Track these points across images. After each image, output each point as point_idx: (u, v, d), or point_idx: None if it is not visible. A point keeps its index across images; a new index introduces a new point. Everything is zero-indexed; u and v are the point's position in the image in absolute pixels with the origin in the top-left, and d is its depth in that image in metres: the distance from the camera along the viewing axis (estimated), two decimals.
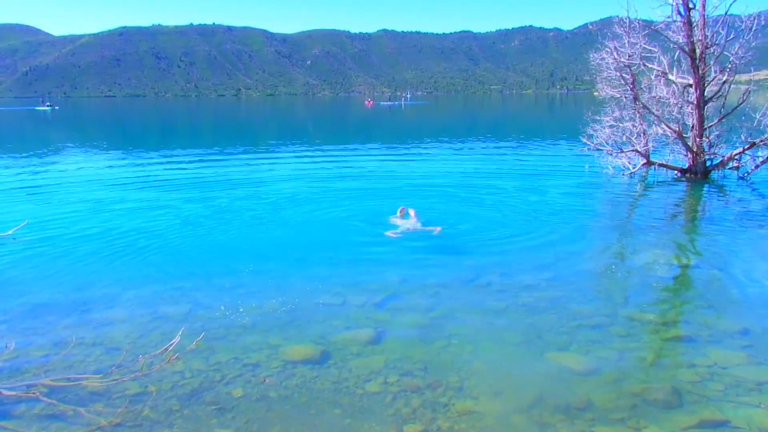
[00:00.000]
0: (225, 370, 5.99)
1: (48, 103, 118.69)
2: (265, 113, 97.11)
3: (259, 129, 56.85)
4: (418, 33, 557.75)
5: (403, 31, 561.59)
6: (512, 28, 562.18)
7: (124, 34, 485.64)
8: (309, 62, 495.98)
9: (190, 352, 6.12)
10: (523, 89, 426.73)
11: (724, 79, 17.36)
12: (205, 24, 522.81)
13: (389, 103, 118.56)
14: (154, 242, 11.06)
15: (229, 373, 5.93)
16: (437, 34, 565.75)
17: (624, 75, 18.06)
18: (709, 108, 17.76)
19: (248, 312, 7.48)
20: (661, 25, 17.53)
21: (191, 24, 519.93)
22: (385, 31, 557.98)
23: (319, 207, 14.40)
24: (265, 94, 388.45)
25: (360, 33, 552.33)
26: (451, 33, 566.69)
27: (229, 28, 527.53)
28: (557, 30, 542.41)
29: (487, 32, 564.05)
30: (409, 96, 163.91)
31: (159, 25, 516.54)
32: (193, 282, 8.73)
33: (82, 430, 5.01)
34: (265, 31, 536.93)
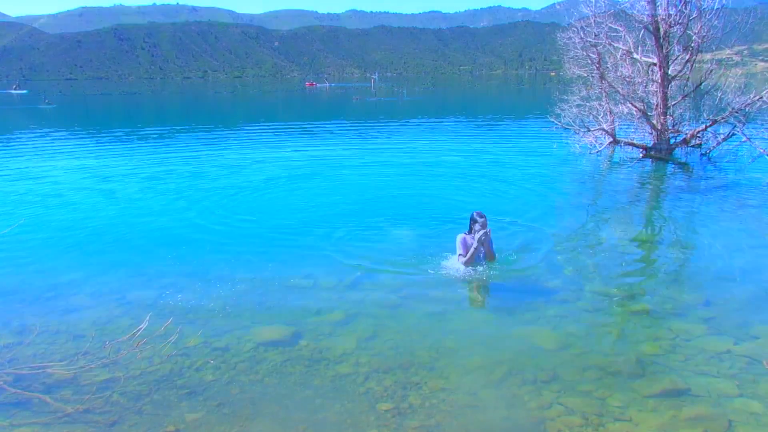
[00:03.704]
0: (195, 355, 5.94)
1: (14, 86, 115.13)
2: (227, 97, 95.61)
3: (226, 113, 55.97)
4: (386, 13, 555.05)
5: (371, 12, 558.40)
6: (481, 9, 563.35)
7: (85, 14, 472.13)
8: (276, 43, 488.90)
9: (158, 337, 6.03)
10: (493, 69, 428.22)
11: (687, 57, 17.64)
12: (168, 4, 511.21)
13: (326, 85, 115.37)
14: (119, 228, 10.87)
15: (199, 358, 5.88)
16: (406, 14, 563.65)
17: (590, 54, 18.23)
18: (673, 86, 18.05)
19: (218, 296, 7.42)
20: (626, 4, 17.72)
21: (154, 4, 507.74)
22: (353, 11, 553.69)
23: (287, 190, 14.31)
24: (233, 76, 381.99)
25: (328, 14, 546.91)
26: (420, 13, 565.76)
27: (194, 8, 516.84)
28: (526, 10, 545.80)
29: (456, 12, 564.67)
30: (377, 77, 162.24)
31: (120, 5, 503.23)
32: (160, 267, 8.60)
33: (49, 418, 4.93)
34: (230, 11, 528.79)
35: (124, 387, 5.37)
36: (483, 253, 7.90)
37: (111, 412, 5.00)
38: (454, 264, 8.02)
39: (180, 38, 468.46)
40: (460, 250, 7.82)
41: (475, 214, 7.73)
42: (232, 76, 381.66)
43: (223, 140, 26.75)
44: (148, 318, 5.95)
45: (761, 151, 15.80)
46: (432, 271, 8.12)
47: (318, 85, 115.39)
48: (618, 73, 18.76)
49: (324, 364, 5.76)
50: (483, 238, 7.55)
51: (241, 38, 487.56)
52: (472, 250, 7.60)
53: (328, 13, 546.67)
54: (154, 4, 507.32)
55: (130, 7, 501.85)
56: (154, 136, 29.12)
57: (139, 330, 5.74)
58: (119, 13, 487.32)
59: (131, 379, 5.51)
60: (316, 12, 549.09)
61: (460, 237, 7.93)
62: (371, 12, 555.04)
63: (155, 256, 9.11)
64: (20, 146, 24.95)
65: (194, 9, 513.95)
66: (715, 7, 16.86)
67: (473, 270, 7.93)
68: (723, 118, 17.39)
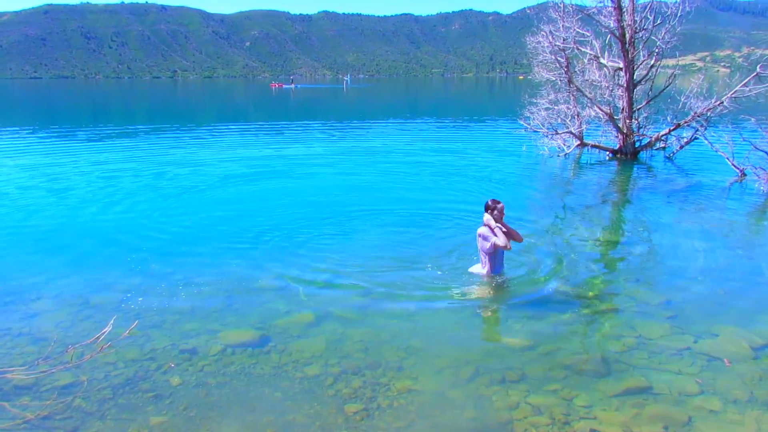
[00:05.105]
0: (161, 358, 5.85)
1: None
2: (195, 96, 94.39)
3: (194, 111, 55.23)
4: (359, 15, 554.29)
5: (344, 13, 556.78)
6: (452, 12, 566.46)
7: (50, 12, 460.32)
8: (248, 44, 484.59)
9: (123, 340, 5.93)
10: (464, 72, 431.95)
11: (652, 63, 18.07)
12: (137, 3, 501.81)
13: (292, 86, 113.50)
14: (83, 229, 10.65)
15: (166, 361, 5.79)
16: (378, 16, 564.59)
17: (559, 59, 18.52)
18: (638, 91, 18.48)
19: (185, 298, 7.31)
20: (593, 10, 18.05)
21: (122, 3, 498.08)
22: (325, 12, 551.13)
23: (254, 190, 14.21)
24: (203, 77, 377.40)
25: (300, 15, 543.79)
26: (392, 16, 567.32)
27: (163, 8, 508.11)
28: (496, 14, 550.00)
29: (428, 15, 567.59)
30: (349, 79, 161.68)
31: (87, 3, 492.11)
32: (124, 269, 8.43)
33: (8, 425, 4.80)
34: (201, 10, 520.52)
35: (87, 392, 5.25)
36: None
37: (73, 418, 4.90)
38: (477, 268, 7.89)
39: (149, 38, 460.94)
40: (492, 239, 7.38)
41: (490, 201, 7.58)
42: (202, 77, 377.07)
43: (188, 139, 26.37)
44: (112, 321, 5.83)
45: (722, 154, 16.23)
46: (401, 272, 8.15)
47: (284, 86, 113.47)
48: (585, 78, 19.15)
49: (292, 366, 5.73)
50: (498, 215, 7.40)
51: (212, 38, 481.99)
52: (497, 231, 7.33)
53: (300, 14, 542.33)
54: (122, 2, 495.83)
55: (97, 5, 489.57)
56: (114, 134, 28.55)
57: (102, 333, 5.62)
58: (86, 12, 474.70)
59: (95, 383, 5.40)
60: (288, 13, 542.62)
61: (481, 229, 7.55)
62: (343, 14, 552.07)
63: (119, 258, 8.92)
64: None
65: (163, 8, 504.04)
66: (678, 14, 17.33)
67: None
68: (686, 122, 17.87)
